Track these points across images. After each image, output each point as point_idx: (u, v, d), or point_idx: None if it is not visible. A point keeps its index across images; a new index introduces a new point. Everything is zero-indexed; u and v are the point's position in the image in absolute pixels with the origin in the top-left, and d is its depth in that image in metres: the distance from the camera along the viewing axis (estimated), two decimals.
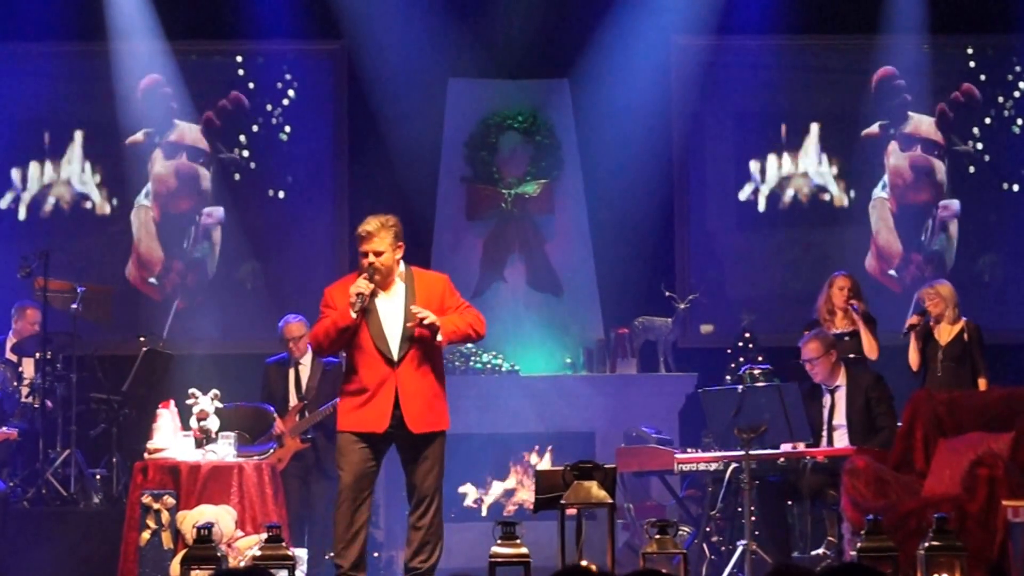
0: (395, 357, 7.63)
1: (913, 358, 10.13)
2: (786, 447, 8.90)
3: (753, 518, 8.66)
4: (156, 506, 8.38)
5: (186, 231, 12.79)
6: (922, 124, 12.98)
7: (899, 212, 12.97)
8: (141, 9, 12.43)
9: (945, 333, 10.06)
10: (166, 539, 8.35)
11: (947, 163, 13.00)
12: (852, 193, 13.00)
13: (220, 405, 8.87)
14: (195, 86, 12.74)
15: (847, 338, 9.89)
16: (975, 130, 12.98)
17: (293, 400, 10.35)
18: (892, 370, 9.75)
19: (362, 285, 7.59)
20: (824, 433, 9.09)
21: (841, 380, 9.16)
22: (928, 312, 10.07)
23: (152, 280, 12.73)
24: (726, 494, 9.20)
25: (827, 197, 12.98)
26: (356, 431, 7.68)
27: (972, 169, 12.96)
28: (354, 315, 7.59)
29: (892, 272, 12.91)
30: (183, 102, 12.76)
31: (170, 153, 12.79)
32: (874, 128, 12.99)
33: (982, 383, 9.92)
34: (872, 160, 13.03)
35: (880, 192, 12.98)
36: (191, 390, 8.85)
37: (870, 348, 9.97)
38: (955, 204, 12.98)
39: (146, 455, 8.75)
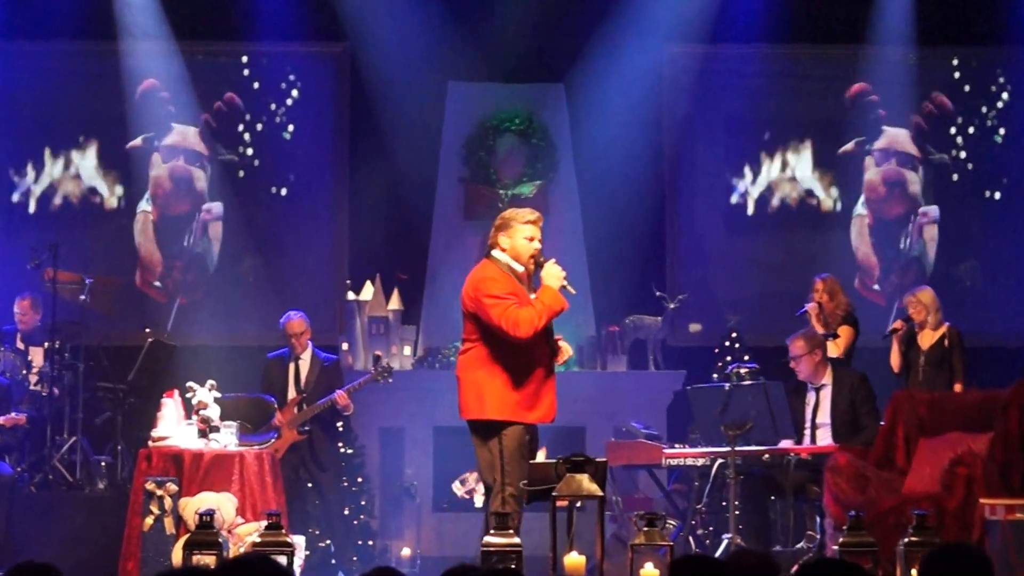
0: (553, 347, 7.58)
1: (895, 360, 10.18)
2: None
3: (737, 512, 8.71)
4: (159, 492, 8.34)
5: (186, 230, 12.77)
6: (898, 137, 12.99)
7: (875, 226, 12.99)
8: (149, 9, 12.42)
9: (927, 338, 10.11)
10: (168, 525, 8.30)
11: (925, 173, 12.96)
12: (838, 198, 13.02)
13: (218, 394, 8.86)
14: (196, 87, 12.67)
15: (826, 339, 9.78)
16: (959, 139, 12.96)
17: (292, 393, 10.43)
18: (874, 371, 9.75)
19: (561, 270, 7.54)
20: (807, 430, 9.14)
21: (827, 379, 9.21)
22: (911, 318, 10.10)
23: (156, 284, 12.72)
24: (712, 489, 9.27)
25: (814, 202, 13.03)
26: (534, 423, 7.48)
27: (955, 177, 13.02)
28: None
29: (876, 287, 12.91)
30: (181, 105, 12.71)
31: (168, 156, 12.78)
32: (850, 145, 13.03)
33: (957, 387, 9.92)
34: (852, 172, 13.02)
35: (859, 208, 12.98)
36: (188, 383, 8.86)
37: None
38: (934, 210, 12.96)
39: (150, 443, 8.77)
